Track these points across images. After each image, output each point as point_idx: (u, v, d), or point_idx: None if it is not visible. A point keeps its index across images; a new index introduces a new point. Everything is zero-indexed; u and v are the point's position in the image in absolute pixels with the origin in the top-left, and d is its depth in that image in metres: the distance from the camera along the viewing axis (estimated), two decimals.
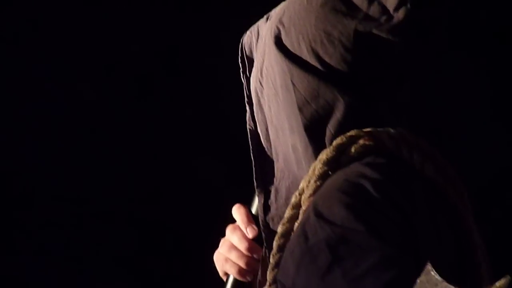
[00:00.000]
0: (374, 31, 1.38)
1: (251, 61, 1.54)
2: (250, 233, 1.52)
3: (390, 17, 1.39)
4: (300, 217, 1.31)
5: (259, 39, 1.51)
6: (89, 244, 3.35)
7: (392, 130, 1.33)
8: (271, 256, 1.33)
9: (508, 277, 1.02)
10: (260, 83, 1.48)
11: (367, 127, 1.35)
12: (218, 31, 3.26)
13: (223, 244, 1.57)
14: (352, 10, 1.41)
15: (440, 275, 1.06)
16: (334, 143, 1.32)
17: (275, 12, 1.49)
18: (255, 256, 1.50)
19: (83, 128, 3.40)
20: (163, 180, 3.32)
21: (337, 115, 1.37)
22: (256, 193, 1.50)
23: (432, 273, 1.08)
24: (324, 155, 1.32)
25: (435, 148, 1.35)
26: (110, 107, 3.39)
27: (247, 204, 1.53)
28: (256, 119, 1.51)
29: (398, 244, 1.22)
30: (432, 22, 1.44)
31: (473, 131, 2.79)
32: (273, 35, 1.44)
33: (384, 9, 1.40)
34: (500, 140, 2.88)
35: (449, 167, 1.36)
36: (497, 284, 1.03)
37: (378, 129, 1.33)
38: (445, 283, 1.07)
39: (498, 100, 2.96)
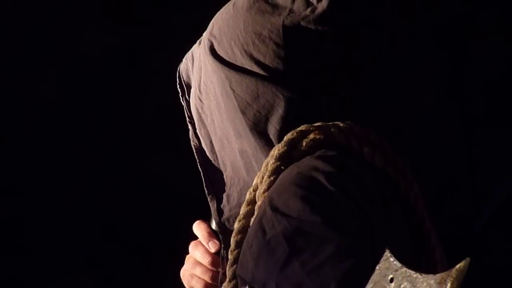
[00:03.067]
0: (302, 23, 1.45)
1: (188, 85, 1.63)
2: (212, 247, 1.58)
3: (314, 8, 1.47)
4: (256, 212, 1.37)
5: (194, 61, 1.60)
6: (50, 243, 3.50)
7: (341, 124, 1.40)
8: (229, 252, 1.39)
9: (468, 259, 1.07)
10: (200, 99, 1.56)
11: (311, 121, 1.42)
12: (173, 31, 3.40)
13: (187, 261, 1.63)
14: (277, 9, 1.49)
15: (399, 261, 1.13)
16: (286, 138, 1.38)
17: (205, 31, 1.58)
18: (219, 269, 1.57)
19: (45, 127, 3.53)
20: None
21: (279, 111, 1.44)
22: (208, 199, 1.57)
23: (391, 259, 1.14)
24: (275, 150, 1.37)
25: (384, 139, 1.41)
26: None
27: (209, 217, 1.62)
28: (200, 135, 1.58)
29: (354, 233, 1.27)
30: (358, 6, 1.52)
31: (422, 120, 2.91)
32: (207, 49, 1.52)
33: (307, 2, 1.47)
34: (450, 130, 3.01)
35: (398, 158, 1.42)
36: (457, 266, 1.08)
37: (328, 123, 1.39)
38: (405, 268, 1.14)
39: (445, 87, 3.11)
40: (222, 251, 1.49)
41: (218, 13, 1.56)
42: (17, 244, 3.50)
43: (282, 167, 1.37)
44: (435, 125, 2.91)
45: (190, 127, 1.61)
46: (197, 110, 1.57)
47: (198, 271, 1.60)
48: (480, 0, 3.21)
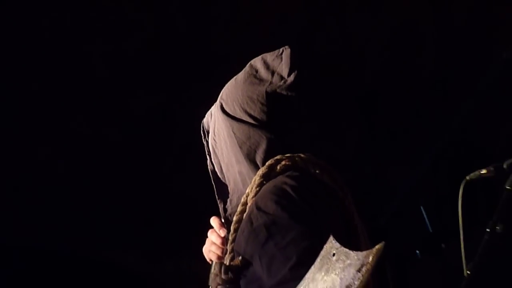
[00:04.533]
0: (277, 90, 2.12)
1: (207, 132, 2.29)
2: (222, 233, 2.20)
3: (286, 81, 2.12)
4: (247, 210, 2.02)
5: (212, 116, 2.24)
6: None
7: (302, 155, 2.06)
8: (230, 235, 2.04)
9: (383, 242, 1.62)
10: (214, 140, 2.22)
11: (283, 153, 2.06)
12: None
13: (207, 242, 2.25)
14: (262, 81, 2.15)
15: (339, 243, 1.71)
16: (267, 163, 2.04)
17: (219, 96, 2.24)
18: (225, 247, 2.16)
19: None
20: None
21: (263, 147, 2.10)
22: (218, 203, 2.22)
23: (333, 241, 1.68)
24: (260, 171, 2.04)
25: (329, 165, 2.09)
26: None
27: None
28: (214, 162, 2.24)
29: (309, 225, 1.90)
30: (310, 82, 2.20)
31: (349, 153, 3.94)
32: (218, 107, 2.19)
33: (281, 77, 2.13)
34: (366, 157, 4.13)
35: (338, 177, 2.09)
36: (376, 246, 1.58)
37: (294, 154, 2.05)
38: (342, 247, 1.66)
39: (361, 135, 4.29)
40: (227, 235, 2.14)
41: (226, 85, 2.22)
42: None
43: (264, 182, 2.02)
44: (355, 151, 4.01)
45: (208, 157, 2.27)
46: (213, 147, 2.22)
47: (213, 248, 2.22)
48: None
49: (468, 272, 2.30)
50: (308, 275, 1.79)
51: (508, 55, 4.63)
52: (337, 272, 1.74)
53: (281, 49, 2.16)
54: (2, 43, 4.47)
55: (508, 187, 2.27)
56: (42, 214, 5.07)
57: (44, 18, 4.50)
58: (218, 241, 2.20)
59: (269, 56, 2.17)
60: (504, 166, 2.33)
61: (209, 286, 2.09)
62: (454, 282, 2.44)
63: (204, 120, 2.29)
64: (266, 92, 2.11)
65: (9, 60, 4.56)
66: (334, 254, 1.75)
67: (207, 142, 2.28)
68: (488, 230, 2.30)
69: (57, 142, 4.88)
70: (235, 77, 2.19)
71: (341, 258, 1.74)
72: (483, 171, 2.38)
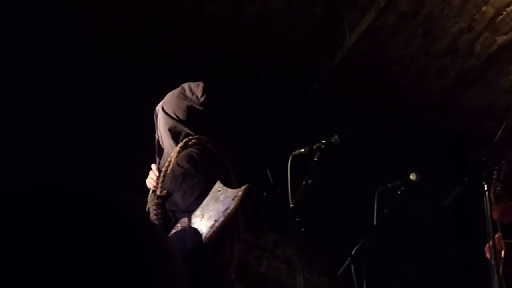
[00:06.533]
0: (194, 105, 3.63)
1: (156, 115, 3.70)
2: (157, 172, 3.59)
3: (199, 99, 3.63)
4: (171, 165, 3.52)
5: (159, 109, 3.70)
6: None
7: (203, 137, 3.57)
8: (161, 177, 3.52)
9: (247, 185, 3.10)
10: (158, 123, 3.66)
11: (194, 134, 3.56)
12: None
13: (148, 176, 3.64)
14: (186, 98, 3.64)
15: (222, 185, 3.22)
16: (183, 141, 3.54)
17: (162, 100, 3.70)
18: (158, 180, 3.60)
19: None
20: None
21: (183, 133, 3.58)
22: (156, 157, 3.69)
23: (219, 183, 3.17)
24: (180, 144, 3.55)
25: (218, 143, 3.61)
26: None
27: None
28: (157, 135, 3.68)
29: (205, 174, 3.38)
30: (215, 101, 3.71)
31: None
32: (161, 106, 3.65)
33: (197, 97, 3.63)
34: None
35: (222, 150, 3.60)
36: (242, 187, 3.11)
37: (200, 135, 3.56)
38: (224, 187, 3.13)
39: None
40: (159, 176, 3.57)
41: (168, 94, 3.67)
42: None
43: (181, 151, 3.50)
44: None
45: (156, 131, 3.72)
46: (158, 126, 3.67)
47: (152, 180, 3.56)
48: None
49: (292, 205, 3.96)
50: (204, 203, 3.18)
51: (318, 87, 6.44)
52: (220, 200, 3.09)
53: (199, 82, 3.65)
54: None
55: (315, 159, 3.94)
56: None
57: None
58: (154, 177, 3.62)
59: (192, 85, 3.65)
60: (314, 147, 3.98)
61: (148, 204, 3.54)
62: (285, 212, 4.07)
63: (156, 108, 3.73)
64: (187, 105, 3.62)
65: None
66: (219, 191, 3.15)
67: (156, 122, 3.71)
68: (304, 182, 3.94)
69: None
70: (173, 91, 3.68)
71: (223, 193, 3.12)
72: (302, 150, 4.02)
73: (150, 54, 7.11)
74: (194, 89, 3.62)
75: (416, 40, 6.54)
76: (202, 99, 3.59)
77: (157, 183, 3.48)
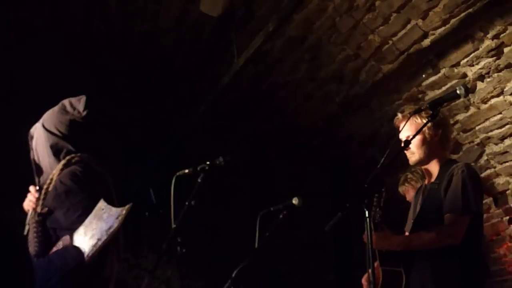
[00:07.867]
0: (76, 119, 3.52)
1: (31, 137, 3.58)
2: (36, 194, 3.44)
3: (81, 114, 3.53)
4: (53, 183, 3.42)
5: (36, 129, 3.55)
6: None
7: (86, 155, 3.48)
8: (42, 195, 3.40)
9: (131, 204, 3.07)
10: (36, 142, 3.53)
11: (77, 154, 3.47)
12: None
13: (26, 199, 3.48)
14: (67, 113, 3.53)
15: (106, 203, 3.19)
16: (66, 158, 3.44)
17: (42, 118, 3.58)
18: (37, 201, 3.44)
19: None
20: None
21: (65, 149, 3.46)
22: (35, 177, 3.54)
23: (103, 202, 3.10)
24: (63, 162, 3.45)
25: (101, 162, 3.56)
26: None
27: None
28: (34, 154, 3.54)
29: (89, 192, 3.27)
30: (98, 116, 3.65)
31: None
32: (41, 124, 3.52)
33: (79, 111, 3.54)
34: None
35: (105, 169, 3.55)
36: (127, 206, 3.04)
37: (82, 154, 3.47)
38: (108, 205, 3.05)
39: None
40: (38, 195, 3.45)
41: (46, 112, 3.56)
42: None
43: (64, 168, 3.40)
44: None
45: (31, 151, 3.58)
46: (35, 146, 3.54)
47: (31, 202, 3.43)
48: None
49: (175, 225, 3.92)
50: (87, 221, 3.10)
51: (205, 108, 6.47)
52: (104, 219, 3.01)
53: (80, 96, 3.58)
54: None
55: (199, 180, 3.93)
56: None
57: None
58: (33, 198, 3.48)
59: (73, 100, 3.58)
60: (198, 168, 3.98)
61: (28, 224, 3.44)
62: (167, 232, 4.04)
63: (30, 130, 3.62)
64: (70, 119, 3.52)
65: None
66: (103, 209, 3.06)
67: (31, 143, 3.60)
68: (187, 203, 3.93)
69: None
70: (52, 108, 3.58)
71: (106, 211, 3.04)
72: (186, 171, 4.01)
73: (33, 67, 6.96)
74: (75, 104, 3.55)
75: (303, 65, 6.62)
76: (84, 113, 3.53)
77: (38, 201, 3.39)
